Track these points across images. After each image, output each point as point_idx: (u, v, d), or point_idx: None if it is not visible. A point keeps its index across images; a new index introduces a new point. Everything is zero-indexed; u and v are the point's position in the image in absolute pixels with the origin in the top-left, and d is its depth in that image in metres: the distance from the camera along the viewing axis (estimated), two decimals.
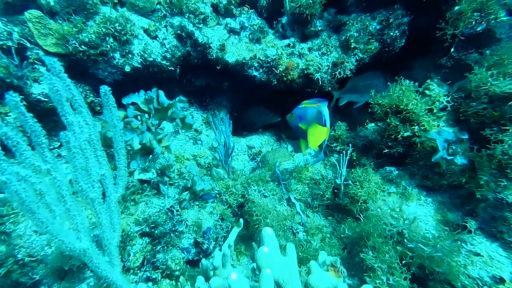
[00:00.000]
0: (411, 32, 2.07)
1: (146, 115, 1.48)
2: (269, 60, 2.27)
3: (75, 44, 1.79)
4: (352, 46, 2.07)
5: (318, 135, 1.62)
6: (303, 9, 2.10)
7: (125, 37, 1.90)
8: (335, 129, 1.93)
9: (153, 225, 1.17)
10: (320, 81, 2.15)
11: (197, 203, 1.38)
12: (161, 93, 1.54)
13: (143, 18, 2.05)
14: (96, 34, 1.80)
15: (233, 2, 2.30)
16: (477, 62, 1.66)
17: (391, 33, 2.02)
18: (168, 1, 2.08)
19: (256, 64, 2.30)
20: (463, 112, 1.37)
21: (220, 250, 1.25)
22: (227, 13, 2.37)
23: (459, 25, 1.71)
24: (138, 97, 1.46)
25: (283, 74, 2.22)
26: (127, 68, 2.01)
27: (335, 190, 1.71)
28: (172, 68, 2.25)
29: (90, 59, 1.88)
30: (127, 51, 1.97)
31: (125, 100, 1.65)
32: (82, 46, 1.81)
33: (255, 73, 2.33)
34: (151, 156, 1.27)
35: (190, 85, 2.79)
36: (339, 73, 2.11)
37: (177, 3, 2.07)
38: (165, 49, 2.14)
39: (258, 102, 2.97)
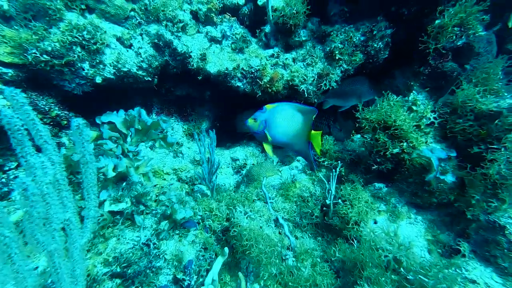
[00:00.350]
0: (394, 43, 2.08)
1: (127, 137, 1.33)
2: (253, 71, 2.18)
3: (35, 53, 1.59)
4: (337, 58, 2.04)
5: (318, 140, 1.57)
6: (287, 19, 2.04)
7: (95, 46, 1.73)
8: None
9: (125, 264, 1.03)
10: (305, 93, 2.10)
11: (178, 231, 1.25)
12: (143, 112, 1.39)
13: (116, 25, 1.89)
14: (60, 42, 1.62)
15: (213, 10, 2.19)
16: (459, 75, 1.68)
17: (375, 45, 2.02)
18: (143, 8, 1.93)
19: (239, 75, 2.21)
20: (450, 128, 1.36)
21: (203, 285, 1.13)
22: (207, 21, 2.26)
23: (441, 39, 1.72)
24: (117, 117, 1.30)
25: (268, 86, 2.14)
26: (98, 80, 1.84)
27: (324, 208, 1.64)
28: (149, 79, 2.10)
29: (54, 69, 1.69)
30: (97, 61, 1.79)
31: (102, 119, 1.47)
32: (44, 56, 1.62)
33: (239, 84, 2.24)
34: (125, 183, 1.13)
35: (170, 94, 2.64)
36: (325, 84, 2.07)
37: (153, 11, 1.93)
38: (141, 59, 1.99)
39: (249, 108, 2.88)
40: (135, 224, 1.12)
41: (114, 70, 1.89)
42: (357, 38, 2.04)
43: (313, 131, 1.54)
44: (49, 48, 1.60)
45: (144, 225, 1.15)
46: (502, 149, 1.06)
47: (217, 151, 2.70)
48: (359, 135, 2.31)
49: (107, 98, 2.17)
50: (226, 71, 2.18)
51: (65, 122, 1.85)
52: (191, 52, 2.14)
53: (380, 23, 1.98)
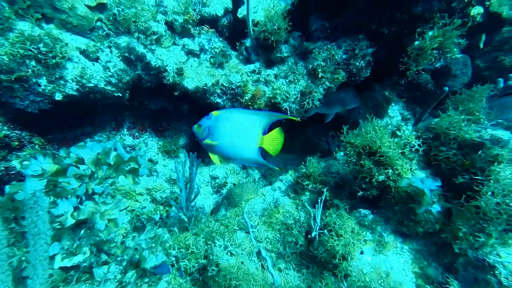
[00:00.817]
0: (375, 60, 2.08)
1: (97, 173, 1.14)
2: (234, 87, 2.07)
3: None
4: (319, 76, 1.99)
5: (276, 141, 1.43)
6: (268, 35, 1.96)
7: (54, 60, 1.53)
8: (306, 165, 1.80)
9: None
10: (288, 111, 2.02)
11: (147, 279, 1.09)
12: (119, 146, 1.22)
13: (79, 37, 1.69)
14: (9, 55, 1.40)
15: (190, 21, 2.06)
16: (434, 87, 1.68)
17: (357, 63, 1.99)
18: (111, 18, 1.75)
19: (219, 91, 2.08)
20: (434, 156, 1.34)
21: None
22: (184, 33, 2.12)
23: (421, 61, 1.73)
24: (90, 151, 1.09)
25: (249, 103, 2.04)
26: (58, 96, 1.63)
27: (309, 236, 1.56)
28: (119, 94, 1.91)
29: (2, 86, 1.46)
30: (57, 76, 1.59)
31: (72, 151, 1.24)
32: None
33: (218, 100, 2.12)
34: (83, 231, 0.96)
35: (143, 108, 2.45)
36: (308, 103, 2.01)
37: (123, 21, 1.76)
38: (110, 73, 1.80)
39: None
40: (94, 279, 0.95)
41: (78, 86, 1.69)
42: (339, 56, 2.01)
43: (266, 135, 1.38)
44: None
45: (107, 277, 0.98)
46: (491, 181, 1.04)
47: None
48: (342, 153, 2.27)
49: (71, 113, 1.95)
50: (205, 87, 2.05)
51: (17, 143, 1.61)
52: (166, 66, 1.98)
53: (362, 42, 1.96)
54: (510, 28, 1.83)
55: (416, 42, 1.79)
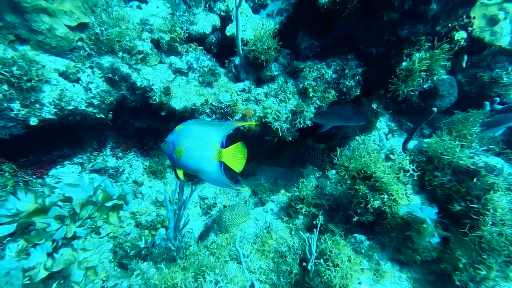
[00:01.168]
0: (364, 79, 2.09)
1: (81, 213, 1.03)
2: (223, 106, 2.02)
3: None
4: (310, 95, 1.98)
5: (238, 156, 1.32)
6: (258, 54, 1.93)
7: (29, 84, 1.42)
8: (300, 189, 1.74)
9: None
10: (280, 131, 1.98)
11: None
12: (108, 183, 1.11)
13: (58, 58, 1.59)
14: None
15: (177, 39, 2.01)
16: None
17: (347, 83, 2.00)
18: (93, 38, 1.67)
19: (208, 110, 2.02)
20: (428, 181, 1.32)
21: None
22: (171, 51, 2.06)
23: (409, 83, 1.75)
24: (82, 192, 0.97)
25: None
26: (33, 121, 1.51)
27: (304, 263, 1.49)
28: (102, 115, 1.80)
29: None
30: (32, 100, 1.47)
31: (63, 190, 1.11)
32: None
33: (208, 119, 2.05)
34: (55, 284, 0.84)
35: (128, 126, 2.34)
36: (299, 122, 1.98)
37: (106, 41, 1.68)
38: (92, 95, 1.70)
39: None
40: None
41: (56, 110, 1.57)
42: (329, 75, 2.00)
43: (224, 149, 1.29)
44: None
45: None
46: (490, 210, 1.02)
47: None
48: (333, 171, 2.24)
49: (48, 135, 1.82)
50: (193, 107, 1.98)
51: None
52: (152, 85, 1.91)
53: (351, 62, 1.97)
54: (489, 50, 1.89)
55: (404, 63, 1.81)
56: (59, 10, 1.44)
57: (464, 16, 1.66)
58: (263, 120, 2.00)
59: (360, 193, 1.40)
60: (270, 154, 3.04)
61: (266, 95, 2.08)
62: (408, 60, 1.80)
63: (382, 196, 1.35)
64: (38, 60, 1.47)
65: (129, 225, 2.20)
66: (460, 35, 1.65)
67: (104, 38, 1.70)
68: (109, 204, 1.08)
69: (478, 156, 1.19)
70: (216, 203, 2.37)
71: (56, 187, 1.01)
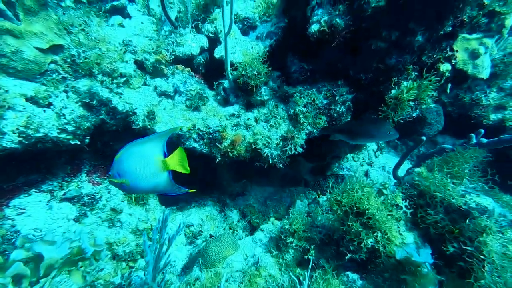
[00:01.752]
0: (354, 104, 2.10)
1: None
2: (211, 131, 1.93)
3: None
4: (301, 121, 1.94)
5: (182, 158, 1.33)
6: (248, 80, 1.88)
7: None
8: (291, 223, 1.67)
9: None
10: (270, 158, 1.92)
11: None
12: (85, 239, 0.98)
13: (26, 82, 1.44)
14: None
15: (163, 61, 1.92)
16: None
17: (338, 109, 1.98)
18: (69, 60, 1.54)
19: (195, 136, 1.92)
20: (421, 218, 1.31)
21: None
22: (156, 73, 1.96)
23: (399, 112, 1.76)
24: (57, 250, 0.84)
25: (229, 150, 1.90)
26: None
27: None
28: (77, 142, 1.65)
29: None
30: None
31: (36, 248, 0.95)
32: None
33: (195, 145, 1.95)
34: None
35: (108, 148, 2.18)
36: (290, 149, 1.93)
37: (83, 64, 1.55)
38: (65, 121, 1.56)
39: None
40: None
41: (20, 138, 1.41)
42: (320, 101, 1.98)
43: (168, 158, 1.31)
44: None
45: None
46: (485, 254, 1.00)
47: (167, 211, 2.26)
48: (324, 197, 2.20)
49: (11, 162, 1.63)
50: (179, 132, 1.88)
51: None
52: (135, 109, 1.79)
53: (341, 88, 1.97)
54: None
55: (393, 91, 1.83)
56: (28, 32, 1.31)
57: (448, 49, 1.71)
58: (253, 147, 1.94)
59: (353, 230, 1.36)
60: (260, 173, 2.97)
61: (256, 120, 2.02)
62: (396, 88, 1.83)
63: (375, 234, 1.31)
64: (0, 85, 1.32)
65: (105, 257, 2.01)
66: (445, 67, 1.69)
67: (81, 61, 1.57)
68: (76, 258, 0.95)
69: (469, 194, 1.19)
70: (202, 231, 2.24)
71: (32, 240, 0.86)
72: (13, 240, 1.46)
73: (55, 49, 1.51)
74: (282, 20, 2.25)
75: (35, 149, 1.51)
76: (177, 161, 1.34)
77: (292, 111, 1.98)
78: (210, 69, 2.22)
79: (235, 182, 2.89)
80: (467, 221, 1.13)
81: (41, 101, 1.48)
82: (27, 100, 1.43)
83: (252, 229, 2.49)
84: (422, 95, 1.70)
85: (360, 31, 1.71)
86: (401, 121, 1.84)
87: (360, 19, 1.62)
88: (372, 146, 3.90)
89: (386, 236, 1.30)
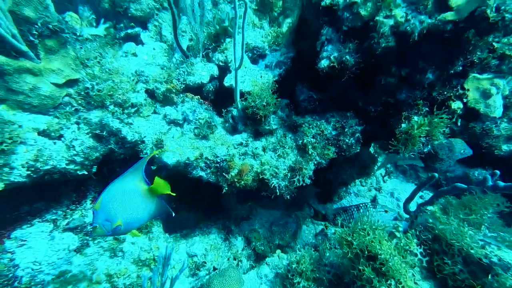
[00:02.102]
0: (363, 133, 2.09)
1: None
2: (219, 160, 1.93)
3: None
4: (310, 152, 1.94)
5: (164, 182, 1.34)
6: (257, 110, 1.90)
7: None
8: (298, 261, 1.63)
9: None
10: (277, 189, 1.90)
11: None
12: None
13: (40, 115, 1.46)
14: None
15: (173, 90, 1.95)
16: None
17: (347, 140, 1.98)
18: (83, 93, 1.57)
19: (202, 164, 1.92)
20: (437, 266, 1.26)
21: None
22: (166, 101, 1.99)
23: (409, 147, 1.75)
24: None
25: (236, 180, 1.89)
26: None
27: None
28: (85, 172, 1.66)
29: None
30: (0, 163, 1.32)
31: None
32: None
33: (201, 174, 1.94)
34: None
35: (114, 175, 2.18)
36: (298, 180, 1.91)
37: (96, 96, 1.59)
38: (74, 152, 1.57)
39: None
40: None
41: (29, 172, 1.42)
42: (329, 131, 1.99)
43: (152, 185, 1.31)
44: None
45: None
46: None
47: (167, 243, 2.20)
48: (333, 229, 2.15)
49: (17, 193, 1.63)
50: (187, 161, 1.88)
51: None
52: (144, 137, 1.80)
53: (350, 120, 1.98)
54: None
55: (403, 125, 1.82)
56: (46, 69, 1.36)
57: (459, 87, 1.72)
58: (261, 177, 1.92)
59: (364, 276, 1.31)
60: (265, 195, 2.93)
61: (264, 149, 2.02)
62: (406, 122, 1.82)
63: (389, 282, 1.26)
64: (14, 120, 1.35)
65: None
66: (456, 105, 1.69)
67: (94, 93, 1.61)
68: None
69: (489, 246, 1.15)
70: (205, 262, 2.19)
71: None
72: (10, 275, 1.44)
73: (70, 83, 1.54)
74: (291, 51, 2.30)
75: (42, 181, 1.51)
76: (162, 185, 1.35)
77: (300, 141, 1.98)
78: (219, 96, 2.25)
79: (241, 204, 2.85)
80: (490, 277, 1.09)
81: (52, 134, 1.50)
82: (39, 133, 1.46)
83: (257, 257, 2.43)
84: (433, 132, 1.69)
85: (369, 67, 1.74)
86: (412, 155, 1.82)
87: (370, 56, 1.64)
88: (380, 170, 3.86)
89: (400, 286, 1.25)
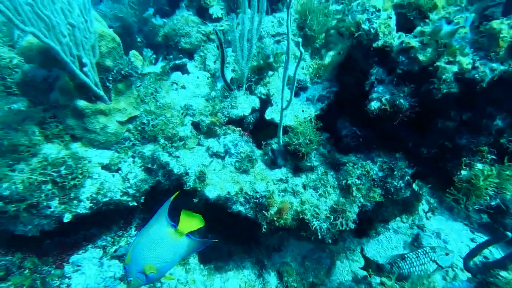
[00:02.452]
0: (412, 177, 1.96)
1: None
2: (258, 196, 1.92)
3: None
4: (354, 194, 1.85)
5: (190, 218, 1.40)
6: (299, 147, 1.88)
7: (72, 182, 1.43)
8: None
9: None
10: (319, 232, 1.83)
11: None
12: None
13: (105, 150, 1.63)
14: (26, 183, 1.30)
15: (217, 123, 2.03)
16: None
17: (395, 183, 1.86)
18: (140, 128, 1.71)
19: (242, 199, 1.94)
20: None
21: None
22: (209, 133, 2.07)
23: (473, 199, 1.59)
24: None
25: (275, 218, 1.87)
26: (67, 218, 1.49)
27: None
28: (135, 203, 1.77)
29: (7, 216, 1.32)
30: (71, 196, 1.47)
31: None
32: None
33: (240, 208, 1.95)
34: None
35: (158, 204, 2.28)
36: (341, 223, 1.83)
37: (150, 132, 1.71)
38: (128, 185, 1.69)
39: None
40: None
41: (91, 204, 1.56)
42: (375, 172, 1.89)
43: (179, 226, 1.34)
44: (6, 193, 1.27)
45: None
46: None
47: (203, 277, 2.20)
48: (378, 279, 2.01)
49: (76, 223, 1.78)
50: (227, 196, 1.91)
51: (3, 273, 1.42)
52: (188, 169, 1.89)
53: (400, 162, 1.86)
54: None
55: (464, 172, 1.67)
56: (114, 109, 1.51)
57: None
58: (301, 216, 1.88)
59: None
60: None
61: (304, 186, 1.98)
62: (467, 169, 1.66)
63: None
64: (86, 156, 1.51)
65: None
66: None
67: (149, 128, 1.74)
68: None
69: None
70: None
71: None
72: None
73: (131, 119, 1.69)
74: (334, 85, 2.27)
75: (99, 211, 1.64)
76: (188, 223, 1.40)
77: (344, 181, 1.91)
78: (259, 126, 2.28)
79: (271, 233, 2.80)
80: None
81: (112, 167, 1.64)
82: (102, 167, 1.60)
83: None
84: (504, 184, 1.52)
85: (425, 110, 1.64)
86: (474, 206, 1.65)
87: (427, 101, 1.55)
88: (423, 205, 3.55)
89: None
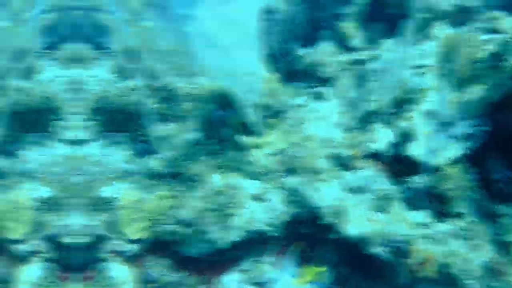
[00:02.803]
0: None
1: None
2: (397, 240, 2.04)
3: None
4: None
5: None
6: (446, 191, 1.94)
7: (229, 211, 1.80)
8: None
9: None
10: None
11: None
12: None
13: (255, 181, 1.99)
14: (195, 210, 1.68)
15: (355, 156, 2.20)
16: None
17: None
18: (284, 160, 2.00)
19: (379, 241, 2.07)
20: None
21: None
22: (347, 166, 2.25)
23: None
24: None
25: (417, 269, 1.97)
26: (223, 244, 1.82)
27: None
28: (275, 234, 2.04)
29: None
30: (227, 224, 1.85)
31: None
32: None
33: (378, 251, 2.07)
34: None
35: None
36: None
37: (294, 164, 1.98)
38: (272, 215, 2.00)
39: None
40: None
41: (242, 232, 1.91)
42: None
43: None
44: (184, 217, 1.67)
45: None
46: None
47: None
48: None
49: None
50: (364, 235, 2.06)
51: None
52: (326, 203, 2.08)
53: None
54: None
55: None
56: (265, 143, 1.91)
57: None
58: (447, 271, 1.94)
59: None
60: None
61: (451, 235, 2.04)
62: None
63: None
64: (241, 187, 1.87)
65: None
66: None
67: (293, 160, 1.99)
68: None
69: None
70: None
71: None
72: None
73: (278, 151, 1.96)
74: (484, 122, 2.25)
75: (246, 239, 1.95)
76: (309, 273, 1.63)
77: (503, 238, 1.92)
78: (396, 162, 2.37)
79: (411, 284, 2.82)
80: None
81: (260, 198, 1.95)
82: (252, 198, 1.91)
83: None
84: None
85: None
86: None
87: None
88: None
89: None
